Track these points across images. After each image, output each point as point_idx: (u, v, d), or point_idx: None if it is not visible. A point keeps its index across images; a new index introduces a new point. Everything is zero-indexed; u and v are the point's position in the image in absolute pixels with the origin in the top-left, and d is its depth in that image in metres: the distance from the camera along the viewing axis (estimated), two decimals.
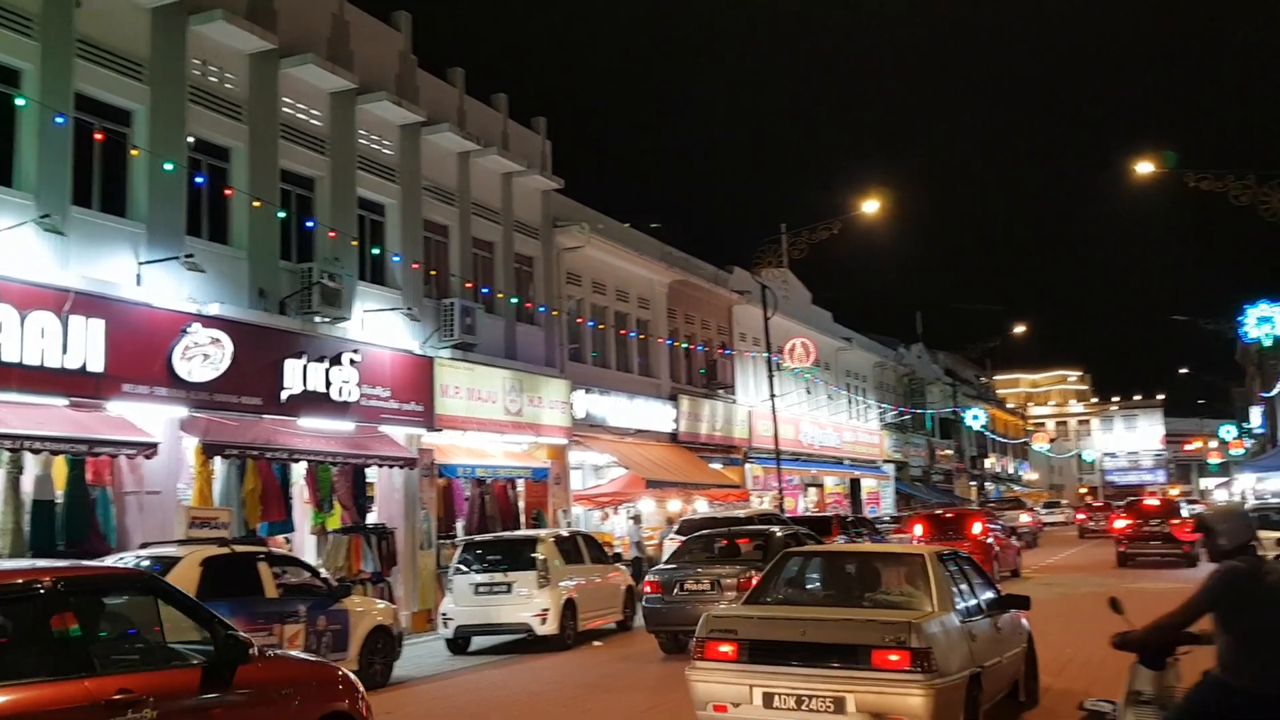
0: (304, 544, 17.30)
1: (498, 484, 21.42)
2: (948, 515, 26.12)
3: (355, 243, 18.43)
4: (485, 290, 22.03)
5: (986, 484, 69.42)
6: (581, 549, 17.13)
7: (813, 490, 42.27)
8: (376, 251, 19.22)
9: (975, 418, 66.19)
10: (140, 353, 14.01)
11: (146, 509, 14.18)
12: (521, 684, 12.96)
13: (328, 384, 16.93)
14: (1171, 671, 5.71)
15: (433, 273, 20.57)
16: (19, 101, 13.32)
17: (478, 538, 17.75)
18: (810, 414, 40.15)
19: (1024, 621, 9.77)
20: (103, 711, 5.21)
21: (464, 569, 16.11)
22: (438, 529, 19.68)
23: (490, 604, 15.67)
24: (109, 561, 10.82)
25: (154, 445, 13.78)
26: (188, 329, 14.56)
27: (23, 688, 5.06)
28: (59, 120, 13.46)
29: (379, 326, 18.64)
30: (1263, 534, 20.76)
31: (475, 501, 20.74)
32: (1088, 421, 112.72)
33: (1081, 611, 16.17)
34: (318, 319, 17.12)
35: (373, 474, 18.35)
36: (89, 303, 13.38)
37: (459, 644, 15.83)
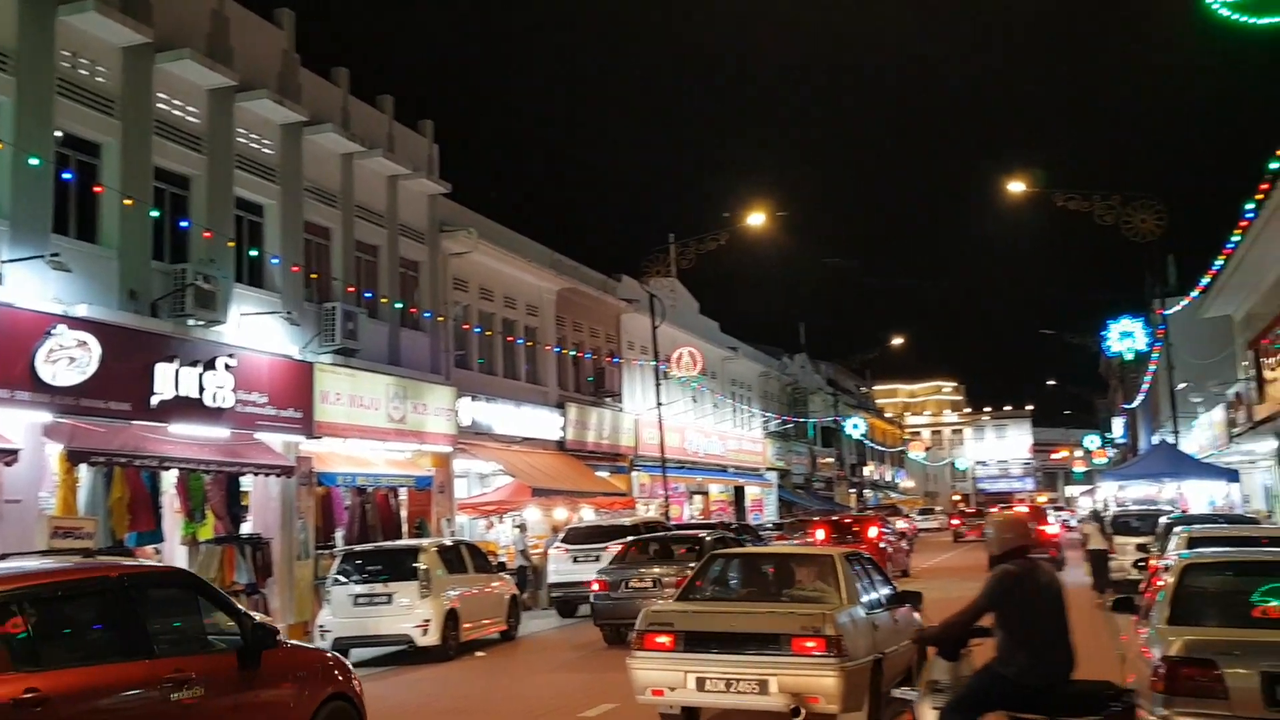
0: (175, 555, 16.69)
1: (379, 493, 21.05)
2: (846, 520, 27.68)
3: (232, 244, 17.91)
4: (369, 295, 21.66)
5: (865, 491, 71.07)
6: (465, 558, 16.97)
7: (698, 498, 42.66)
8: (255, 253, 18.71)
9: (855, 426, 67.81)
10: (1, 355, 13.37)
11: (6, 518, 13.51)
12: (401, 696, 12.77)
13: (201, 389, 16.39)
14: (965, 662, 6.35)
15: (313, 276, 20.13)
16: None
17: (357, 547, 17.43)
18: (696, 422, 40.53)
19: (916, 615, 10.56)
20: (160, 688, 6.13)
21: (343, 580, 15.81)
22: (316, 539, 19.23)
23: (370, 615, 15.40)
24: None
25: (14, 452, 13.15)
26: (52, 330, 13.93)
27: (102, 667, 5.99)
28: None
29: (256, 330, 18.16)
30: (1120, 540, 21.81)
31: (355, 511, 20.34)
32: (961, 431, 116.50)
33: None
34: (191, 322, 16.59)
35: (248, 482, 17.83)
36: None
37: None
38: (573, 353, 31.30)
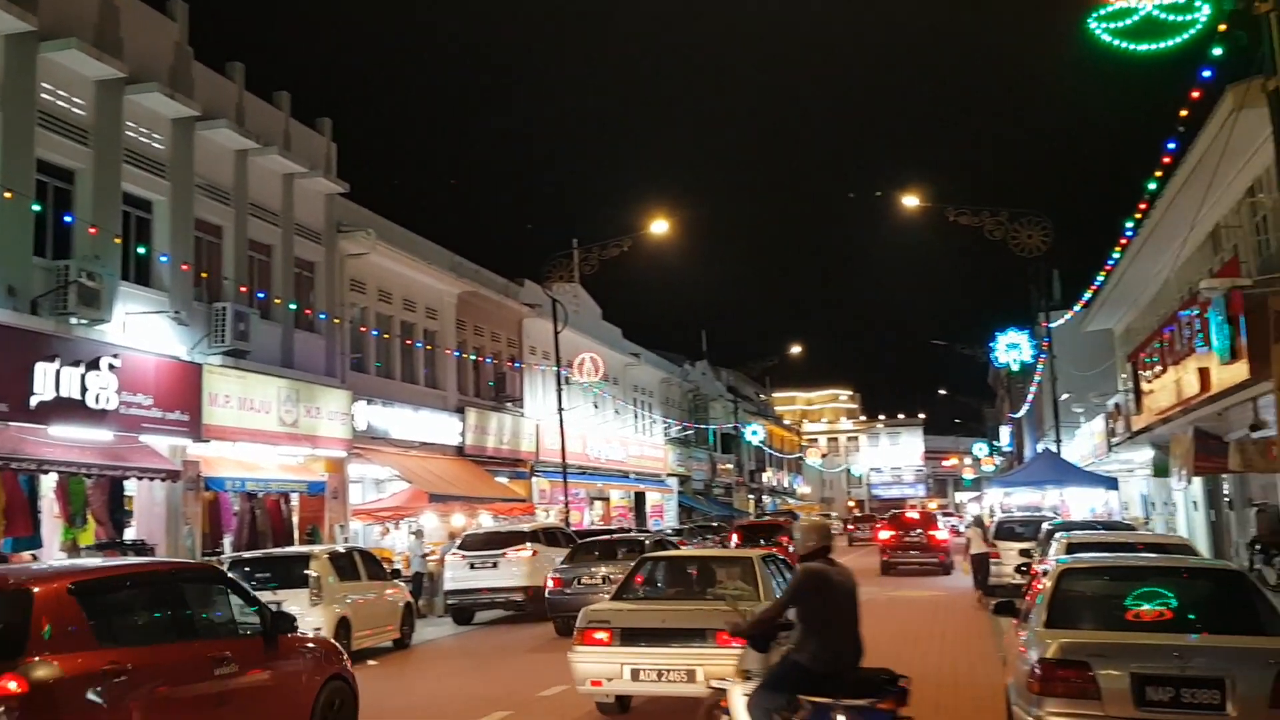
0: (53, 561, 16.06)
1: (270, 498, 20.57)
2: (759, 525, 29.34)
3: (119, 240, 17.31)
4: (261, 295, 21.16)
5: (764, 497, 71.96)
6: (358, 565, 16.68)
7: (599, 504, 42.67)
8: (143, 251, 18.14)
9: (755, 433, 68.63)
10: None
11: None
12: None
13: (84, 390, 15.81)
14: (775, 653, 6.96)
15: (204, 275, 19.59)
16: None
17: (246, 554, 16.99)
18: (598, 428, 40.55)
19: None
20: (206, 665, 7.38)
21: None
22: (203, 546, 18.71)
23: None
24: None
25: None
26: None
27: (162, 646, 7.18)
28: None
29: (143, 330, 17.60)
30: (1004, 545, 22.49)
31: (245, 516, 19.83)
32: (857, 438, 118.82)
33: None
34: (74, 320, 16.00)
35: (132, 487, 17.28)
36: None
37: None
38: (473, 357, 31.04)
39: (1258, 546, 18.86)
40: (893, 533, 32.28)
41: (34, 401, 14.99)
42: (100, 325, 16.47)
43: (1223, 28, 9.55)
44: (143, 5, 18.68)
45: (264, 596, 14.90)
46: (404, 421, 26.33)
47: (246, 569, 15.70)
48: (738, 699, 6.91)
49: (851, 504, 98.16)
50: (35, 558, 15.40)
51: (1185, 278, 22.78)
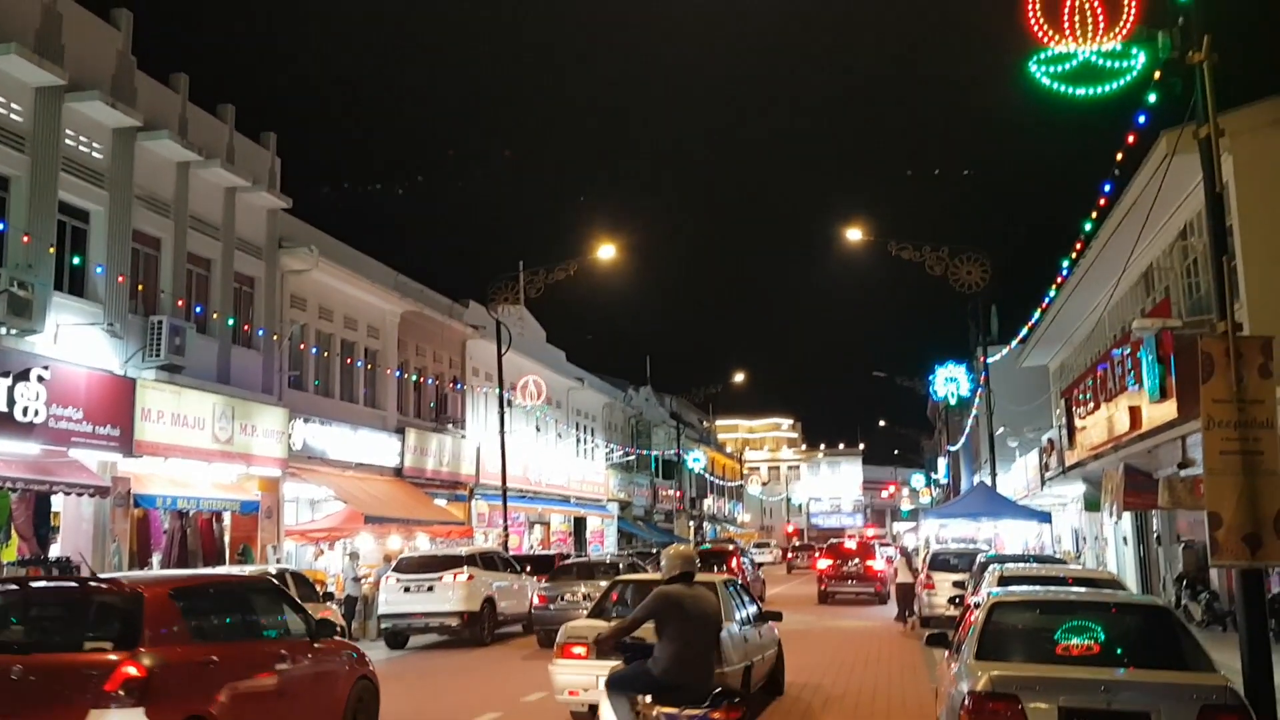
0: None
1: (201, 516, 20.16)
2: (713, 551, 30.16)
3: (53, 250, 16.96)
4: (199, 309, 20.81)
5: (705, 524, 71.99)
6: (290, 587, 16.35)
7: (538, 528, 42.39)
8: (78, 261, 17.78)
9: (696, 460, 68.71)
10: None
11: None
12: None
13: (11, 402, 15.41)
14: (653, 662, 7.60)
15: (140, 287, 19.23)
16: None
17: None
18: (540, 452, 40.35)
19: (775, 631, 13.22)
20: (269, 660, 8.85)
21: None
22: (130, 564, 18.27)
23: None
24: None
25: None
26: None
27: (237, 644, 8.74)
28: None
29: (76, 342, 17.21)
30: (938, 576, 22.70)
31: (175, 534, 19.42)
32: (797, 467, 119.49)
33: (794, 636, 16.98)
34: (3, 330, 15.62)
35: (59, 502, 16.85)
36: None
37: None
38: (415, 377, 30.76)
39: (1184, 582, 19.27)
40: (831, 562, 32.45)
41: None
42: (31, 336, 16.08)
43: (1158, 75, 9.81)
44: (86, 12, 18.38)
45: None
46: (342, 441, 26.00)
47: None
48: (602, 698, 7.84)
49: (791, 531, 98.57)
50: None
51: (1118, 317, 23.30)
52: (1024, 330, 29.91)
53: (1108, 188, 15.22)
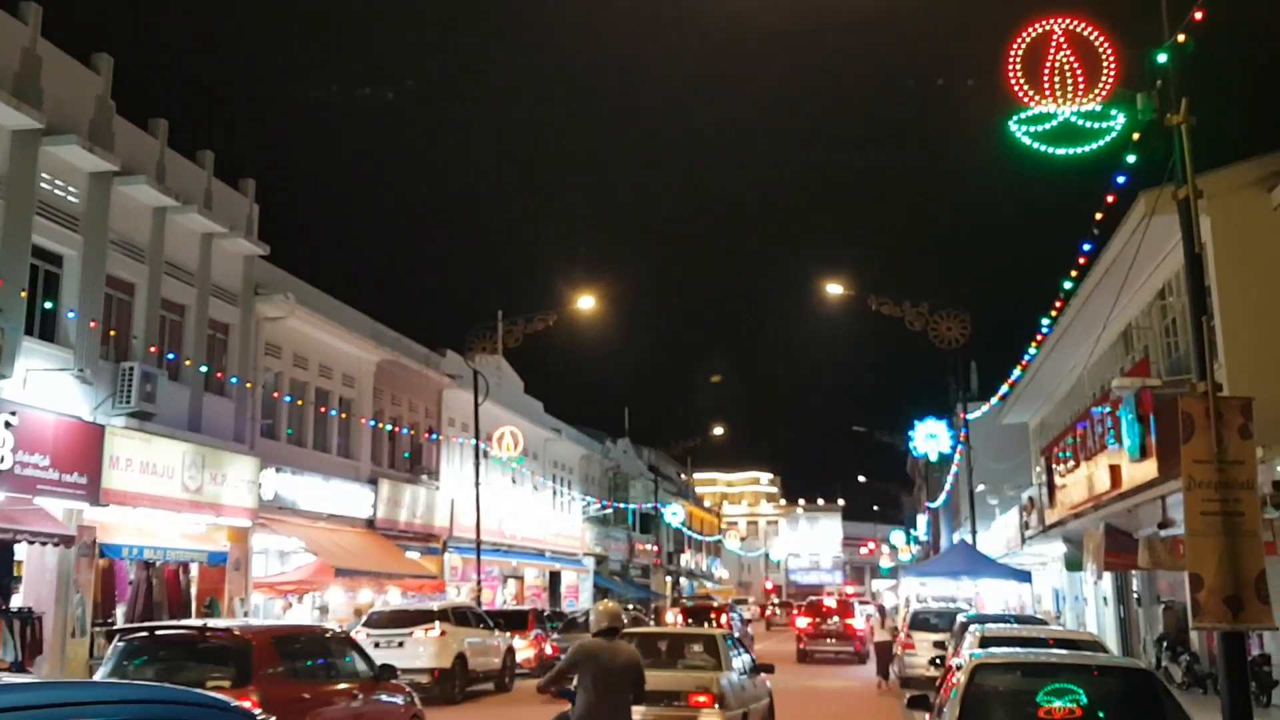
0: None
1: (168, 567, 19.73)
2: (700, 607, 31.45)
3: (25, 294, 16.71)
4: (172, 356, 20.53)
5: (682, 579, 71.34)
6: None
7: (512, 582, 41.81)
8: (50, 305, 17.53)
9: (675, 514, 68.25)
10: None
11: None
12: None
13: None
14: (572, 709, 8.25)
15: (113, 333, 18.97)
16: None
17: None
18: (515, 504, 39.92)
19: (768, 681, 14.34)
20: (346, 698, 10.53)
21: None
22: (94, 615, 17.82)
23: None
24: None
25: None
26: None
27: (320, 684, 10.50)
28: None
29: (45, 388, 16.91)
30: (918, 636, 22.44)
31: (140, 585, 18.98)
32: (776, 522, 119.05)
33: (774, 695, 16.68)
34: None
35: (22, 551, 16.44)
36: None
37: None
38: (389, 427, 30.43)
39: (1165, 644, 19.10)
40: (810, 620, 32.11)
41: None
42: None
43: (1136, 136, 9.86)
44: (66, 56, 18.31)
45: None
46: (314, 491, 25.61)
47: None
48: None
49: (770, 588, 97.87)
50: None
51: (1098, 375, 23.34)
52: (1004, 387, 29.96)
53: (1087, 247, 15.31)
